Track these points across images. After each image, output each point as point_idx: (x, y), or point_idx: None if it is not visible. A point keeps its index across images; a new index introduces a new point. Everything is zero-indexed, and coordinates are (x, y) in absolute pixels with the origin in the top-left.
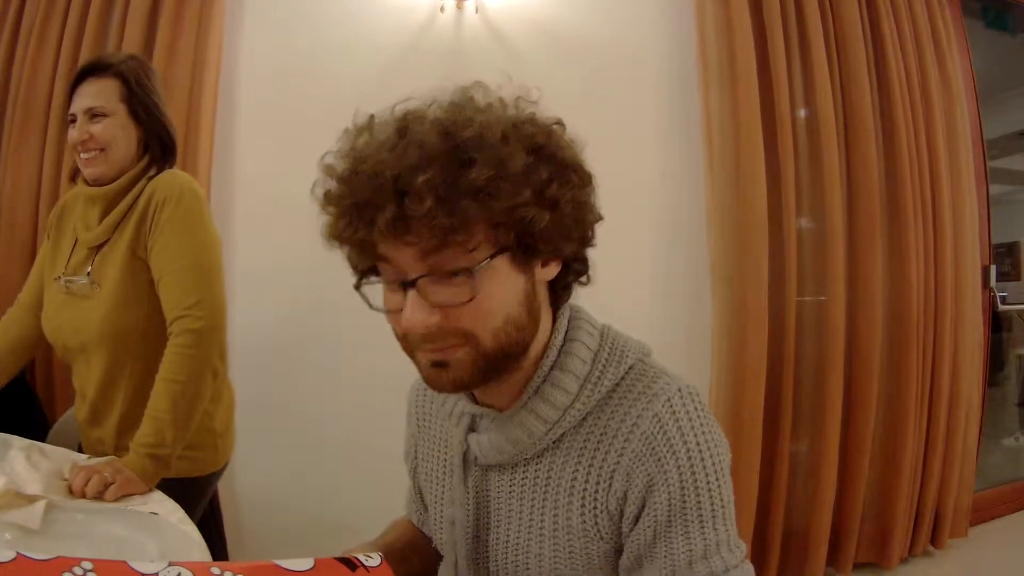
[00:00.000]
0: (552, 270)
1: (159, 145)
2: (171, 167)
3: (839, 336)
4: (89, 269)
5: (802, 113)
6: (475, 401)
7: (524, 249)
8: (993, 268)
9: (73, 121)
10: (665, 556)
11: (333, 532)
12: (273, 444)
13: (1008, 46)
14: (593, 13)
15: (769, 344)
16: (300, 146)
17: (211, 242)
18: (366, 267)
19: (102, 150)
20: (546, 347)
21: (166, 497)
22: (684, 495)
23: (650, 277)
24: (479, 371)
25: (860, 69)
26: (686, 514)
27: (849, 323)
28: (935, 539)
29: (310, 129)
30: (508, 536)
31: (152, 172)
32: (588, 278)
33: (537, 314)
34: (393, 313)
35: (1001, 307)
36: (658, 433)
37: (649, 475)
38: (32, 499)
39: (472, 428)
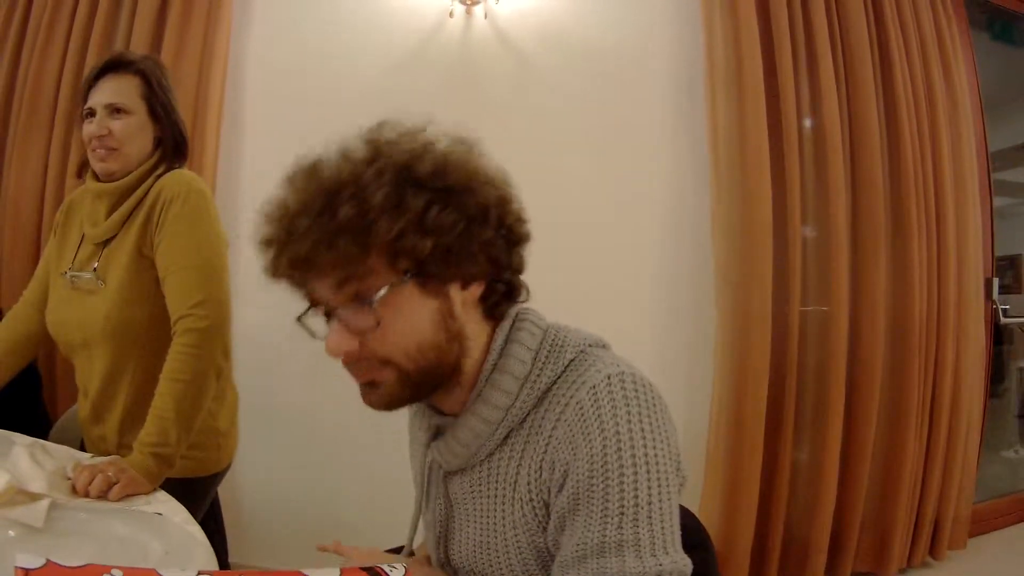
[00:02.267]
0: (475, 290)
1: (172, 144)
2: (180, 167)
3: (841, 345)
4: (95, 265)
5: (808, 123)
6: (438, 411)
7: (425, 275)
8: (996, 281)
9: (91, 115)
10: (565, 547)
11: (335, 531)
12: (274, 443)
13: (1014, 58)
14: (601, 20)
15: (772, 352)
16: (306, 146)
17: (216, 241)
18: (306, 303)
19: (117, 148)
20: (488, 352)
21: (170, 497)
22: (592, 483)
23: (654, 283)
24: (406, 391)
25: (866, 80)
26: (591, 503)
27: (852, 333)
28: (934, 550)
29: (316, 129)
30: (472, 537)
31: (161, 170)
32: (527, 295)
33: (459, 334)
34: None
35: (1003, 320)
36: (577, 420)
37: (565, 462)
38: (36, 497)
39: (436, 437)
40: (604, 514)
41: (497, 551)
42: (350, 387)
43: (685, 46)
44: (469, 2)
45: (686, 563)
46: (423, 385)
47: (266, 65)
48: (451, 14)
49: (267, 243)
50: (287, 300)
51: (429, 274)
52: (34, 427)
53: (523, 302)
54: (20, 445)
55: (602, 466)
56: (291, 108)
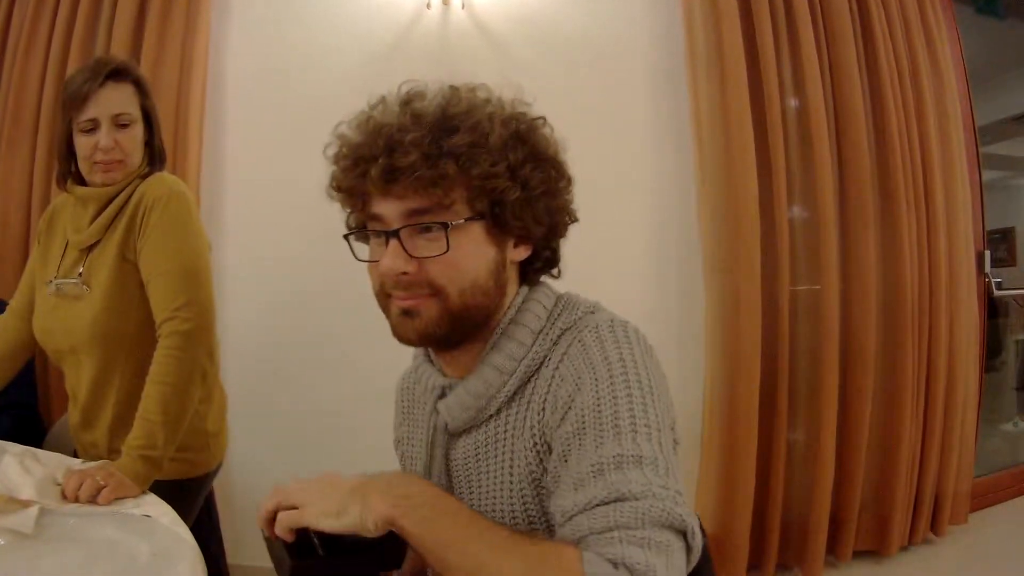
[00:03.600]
0: (522, 252)
1: (158, 150)
2: (161, 170)
3: (833, 324)
4: (80, 270)
5: (793, 103)
6: (443, 374)
7: (496, 222)
8: (987, 254)
9: (92, 127)
10: (575, 469)
11: None
12: (268, 443)
13: (999, 31)
14: (579, 7)
15: (763, 333)
16: (289, 145)
17: (199, 244)
18: (359, 224)
19: (123, 159)
20: (507, 309)
21: (159, 499)
22: (599, 403)
23: (642, 268)
24: (443, 325)
25: (849, 57)
26: (601, 422)
27: (843, 311)
28: (935, 526)
29: (298, 127)
30: (482, 499)
31: (144, 174)
32: (559, 272)
33: (504, 288)
34: (374, 263)
35: (996, 293)
36: (580, 355)
37: (569, 393)
38: (25, 504)
39: (442, 397)
40: (616, 430)
41: (514, 509)
42: (343, 383)
43: (666, 32)
44: None
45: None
46: (459, 325)
47: (246, 64)
48: (428, 5)
49: (355, 153)
50: (277, 299)
51: (500, 221)
52: (29, 435)
53: (555, 277)
54: (10, 454)
55: (609, 388)
56: (272, 106)
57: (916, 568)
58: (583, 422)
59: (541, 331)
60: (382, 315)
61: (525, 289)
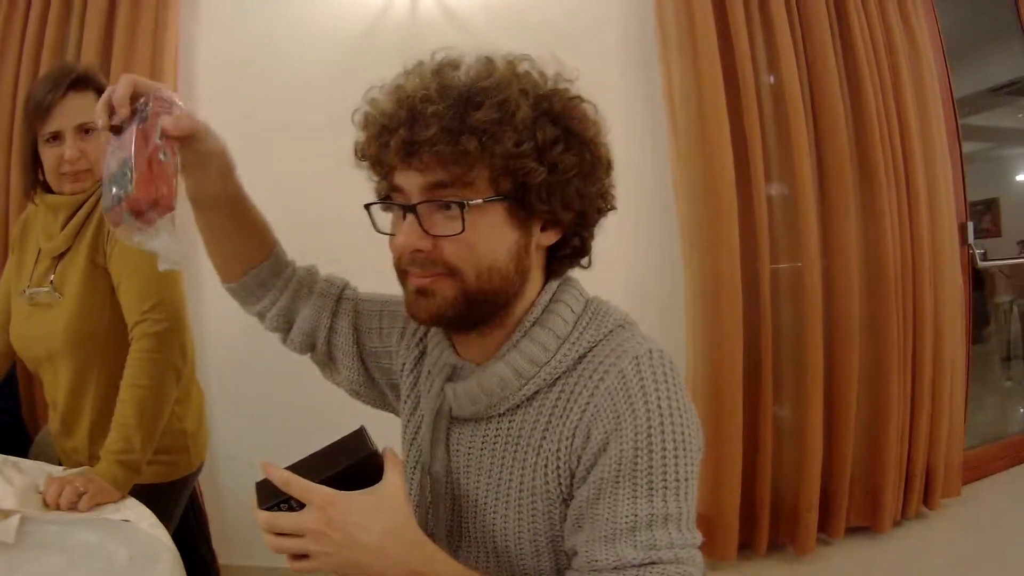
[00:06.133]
0: (550, 237)
1: None
2: None
3: (816, 301)
4: (52, 278)
5: (770, 80)
6: (457, 354)
7: (521, 204)
8: (970, 225)
9: (55, 138)
10: (607, 518)
11: None
12: (253, 441)
13: (978, 3)
14: None
15: (745, 311)
16: (262, 140)
17: None
18: (384, 194)
19: (90, 168)
20: (532, 306)
21: (138, 503)
22: (637, 455)
23: (619, 252)
24: (458, 307)
25: (823, 32)
26: (636, 476)
27: (826, 287)
28: (928, 499)
29: (270, 122)
30: (477, 494)
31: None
32: (589, 262)
33: (525, 274)
34: (393, 236)
35: (981, 264)
36: (620, 389)
37: (606, 431)
38: (7, 514)
39: (451, 379)
40: (650, 487)
41: (507, 516)
42: (330, 384)
43: (636, 12)
44: None
45: (700, 538)
46: (475, 309)
47: (216, 57)
48: None
49: (380, 121)
50: None
51: (524, 204)
52: (13, 444)
53: (584, 267)
54: None
55: (647, 439)
56: (243, 101)
57: (910, 542)
58: (619, 470)
59: (567, 338)
60: None
61: (553, 286)
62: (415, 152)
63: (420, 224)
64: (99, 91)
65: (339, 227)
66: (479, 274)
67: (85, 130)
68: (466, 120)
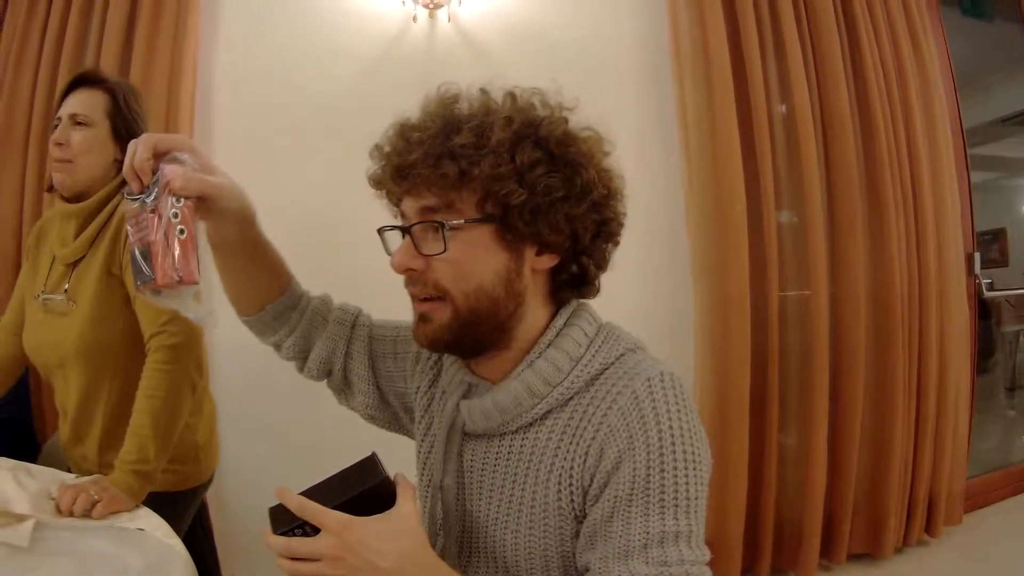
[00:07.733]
0: (545, 261)
1: None
2: None
3: (823, 328)
4: (66, 286)
5: (782, 108)
6: (473, 373)
7: (507, 226)
8: (977, 255)
9: (55, 127)
10: (620, 535)
11: None
12: (260, 453)
13: (987, 32)
14: (565, 15)
15: (753, 336)
16: (277, 155)
17: None
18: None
19: (71, 160)
20: (546, 328)
21: (151, 512)
22: (649, 474)
23: (630, 274)
24: (453, 331)
25: (835, 61)
26: (648, 494)
27: (833, 314)
28: (930, 527)
29: (286, 138)
30: (488, 509)
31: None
32: (597, 289)
33: (518, 297)
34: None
35: (987, 294)
36: (633, 409)
37: (619, 450)
38: (20, 518)
39: (466, 396)
40: (662, 505)
41: (518, 531)
42: (335, 401)
43: (651, 38)
44: (432, 6)
45: (709, 555)
46: (469, 332)
47: (234, 75)
48: (414, 19)
49: (381, 149)
50: None
51: (510, 226)
52: (23, 451)
53: (591, 296)
54: (3, 468)
55: (659, 458)
56: (260, 116)
57: (912, 569)
58: (633, 488)
59: (580, 359)
60: None
61: (568, 310)
62: (405, 176)
63: (414, 245)
64: (107, 89)
65: (354, 241)
66: (467, 295)
67: (77, 121)
68: (446, 145)
